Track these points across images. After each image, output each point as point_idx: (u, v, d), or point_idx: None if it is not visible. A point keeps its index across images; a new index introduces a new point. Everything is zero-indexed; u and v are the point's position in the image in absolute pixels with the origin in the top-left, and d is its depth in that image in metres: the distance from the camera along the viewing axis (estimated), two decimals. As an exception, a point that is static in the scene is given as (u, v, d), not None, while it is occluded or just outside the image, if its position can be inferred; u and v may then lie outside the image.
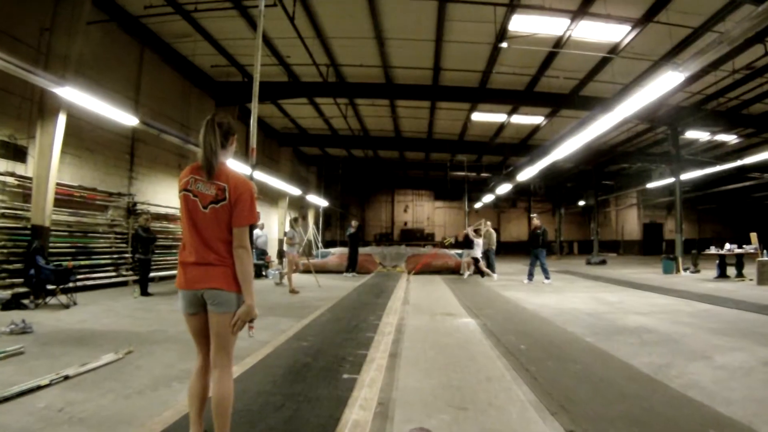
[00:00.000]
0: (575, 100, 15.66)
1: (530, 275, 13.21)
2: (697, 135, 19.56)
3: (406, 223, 38.53)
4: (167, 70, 13.22)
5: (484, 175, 28.69)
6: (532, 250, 13.27)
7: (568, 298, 9.57)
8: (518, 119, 18.99)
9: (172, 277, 11.94)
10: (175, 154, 13.33)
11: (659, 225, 33.14)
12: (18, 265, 8.20)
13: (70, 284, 8.07)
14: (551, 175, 27.38)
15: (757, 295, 9.63)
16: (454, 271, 16.26)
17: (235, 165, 13.35)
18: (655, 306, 8.32)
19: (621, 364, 4.44)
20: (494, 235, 15.67)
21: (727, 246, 13.92)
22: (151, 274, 10.47)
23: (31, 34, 8.79)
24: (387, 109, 18.97)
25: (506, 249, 33.40)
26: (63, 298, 7.76)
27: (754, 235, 13.35)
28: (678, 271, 15.69)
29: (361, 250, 17.78)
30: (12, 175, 8.47)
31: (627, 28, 11.17)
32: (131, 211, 11.56)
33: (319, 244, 23.37)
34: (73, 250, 9.76)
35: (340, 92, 15.83)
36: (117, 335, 5.61)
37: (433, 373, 4.15)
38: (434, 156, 27.67)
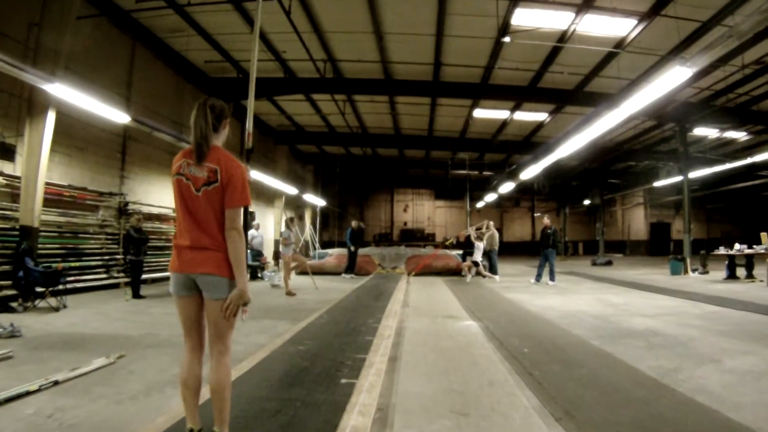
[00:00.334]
0: (580, 96, 15.67)
1: (538, 276, 13.19)
2: (706, 132, 19.59)
3: (405, 223, 38.53)
4: (160, 66, 13.22)
5: (486, 173, 28.67)
6: (542, 250, 13.26)
7: (573, 300, 9.58)
8: (521, 116, 18.99)
9: (166, 279, 11.94)
10: (168, 153, 13.30)
11: (667, 225, 33.19)
12: (6, 267, 8.18)
13: (60, 287, 8.05)
14: (555, 173, 27.41)
15: (767, 296, 9.64)
16: (455, 272, 16.25)
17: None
18: (662, 308, 8.32)
19: (627, 368, 4.44)
20: (497, 235, 15.68)
21: (737, 246, 13.93)
22: (144, 276, 10.46)
23: (19, 29, 8.79)
24: (386, 106, 18.97)
25: (509, 250, 33.45)
26: (53, 301, 7.76)
27: (764, 235, 13.35)
28: (686, 272, 15.70)
29: (360, 251, 17.78)
30: (0, 174, 8.47)
31: (633, 21, 11.17)
32: (123, 211, 11.56)
33: (317, 245, 23.39)
34: (62, 251, 9.76)
35: (338, 88, 15.83)
36: (108, 339, 5.61)
37: (433, 378, 4.15)
38: (435, 154, 27.68)
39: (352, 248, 15.83)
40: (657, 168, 24.32)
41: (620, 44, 12.25)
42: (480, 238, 15.08)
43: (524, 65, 14.12)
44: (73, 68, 9.49)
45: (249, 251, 15.00)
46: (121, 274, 11.17)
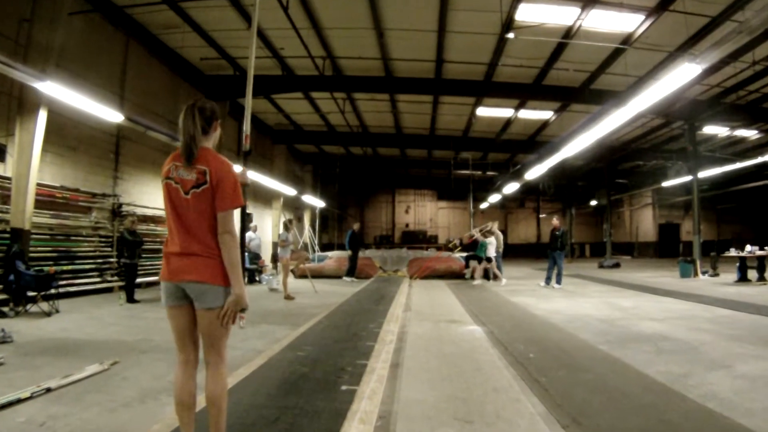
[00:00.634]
0: (586, 94, 15.66)
1: (548, 279, 13.14)
2: (716, 130, 19.59)
3: (407, 225, 38.52)
4: (154, 63, 13.24)
5: (490, 173, 28.69)
6: (549, 252, 13.24)
7: (580, 304, 9.57)
8: (526, 114, 18.99)
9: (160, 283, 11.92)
10: (162, 153, 13.31)
11: (676, 226, 33.17)
12: (-4, 271, 8.19)
13: (52, 291, 8.04)
14: (561, 173, 27.40)
15: (779, 299, 9.63)
16: (459, 275, 16.25)
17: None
18: (671, 311, 8.32)
19: (636, 374, 4.44)
20: (501, 236, 15.67)
21: (748, 248, 13.90)
22: (138, 280, 10.44)
23: (9, 25, 8.80)
24: (387, 104, 18.99)
25: (514, 252, 33.40)
26: (44, 306, 7.75)
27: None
28: (696, 274, 15.68)
29: (361, 253, 17.77)
30: (-10, 175, 8.49)
31: (641, 17, 11.18)
32: (116, 212, 11.56)
33: (316, 248, 23.39)
34: (54, 254, 9.76)
35: (338, 86, 15.84)
36: (102, 345, 5.61)
37: (436, 384, 4.14)
38: (437, 153, 27.69)
39: (350, 252, 15.79)
40: (665, 167, 24.28)
41: (627, 40, 12.25)
42: (491, 232, 15.03)
43: (529, 62, 14.12)
44: (64, 65, 9.50)
45: (246, 254, 15.00)
46: (115, 278, 11.18)
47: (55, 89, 7.94)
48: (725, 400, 3.67)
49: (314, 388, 3.81)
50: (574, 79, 15.09)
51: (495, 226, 15.50)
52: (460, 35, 12.63)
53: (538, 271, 19.42)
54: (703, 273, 15.81)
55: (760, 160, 18.91)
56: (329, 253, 19.20)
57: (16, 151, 8.65)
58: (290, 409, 3.33)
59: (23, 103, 8.64)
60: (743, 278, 13.37)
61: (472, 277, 15.78)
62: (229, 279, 2.42)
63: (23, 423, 3.25)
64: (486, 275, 15.28)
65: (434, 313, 8.41)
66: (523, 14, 11.15)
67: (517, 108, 18.35)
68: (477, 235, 15.65)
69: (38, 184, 8.97)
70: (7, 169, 8.81)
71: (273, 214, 22.75)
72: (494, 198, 30.12)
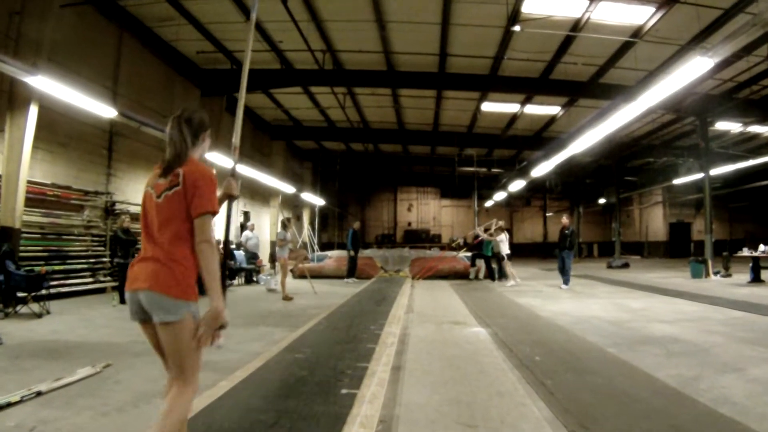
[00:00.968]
0: (594, 89, 15.64)
1: (566, 280, 13.07)
2: (728, 126, 19.50)
3: (410, 224, 38.51)
4: (148, 57, 13.23)
5: (495, 170, 28.63)
6: (558, 251, 13.22)
7: (588, 305, 9.57)
8: (532, 109, 18.96)
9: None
10: (157, 149, 13.31)
11: (687, 225, 33.08)
12: (-14, 271, 8.21)
13: (43, 291, 8.06)
14: (569, 170, 27.35)
15: (794, 301, 9.61)
16: (463, 275, 16.26)
17: (221, 160, 13.26)
18: (682, 313, 8.31)
19: (645, 377, 4.44)
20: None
21: (762, 247, 13.89)
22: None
23: (-1, 18, 8.81)
24: (389, 99, 18.96)
25: (520, 251, 33.36)
26: (35, 307, 7.77)
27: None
28: (707, 275, 15.65)
29: (362, 253, 17.76)
30: (-21, 172, 8.50)
31: (651, 9, 11.13)
32: (109, 211, 11.57)
33: (315, 247, 23.40)
34: (46, 254, 9.77)
35: (338, 80, 15.83)
36: (94, 347, 5.62)
37: (439, 388, 4.14)
38: (441, 150, 27.68)
39: (352, 252, 15.76)
40: (676, 165, 24.24)
41: (637, 33, 12.22)
42: (501, 229, 14.98)
43: (535, 56, 14.09)
44: (56, 59, 9.51)
45: (243, 254, 15.04)
46: (108, 278, 11.20)
47: (46, 84, 7.94)
48: (738, 405, 3.66)
49: (313, 391, 3.82)
50: (583, 74, 15.06)
51: (500, 225, 15.48)
52: (465, 28, 12.61)
53: (545, 272, 19.46)
54: (715, 273, 15.79)
55: (774, 157, 18.87)
56: (329, 253, 19.22)
57: (6, 148, 8.66)
58: (289, 412, 3.34)
59: (13, 98, 8.66)
60: (756, 279, 13.36)
61: (477, 277, 15.79)
62: (189, 293, 2.27)
63: (13, 428, 3.26)
64: (491, 275, 15.28)
65: (437, 315, 8.41)
66: (530, 6, 11.11)
67: (524, 103, 18.32)
68: (482, 234, 15.63)
69: (29, 182, 8.98)
70: (-4, 166, 8.82)
71: (271, 212, 22.76)
72: (499, 196, 30.09)
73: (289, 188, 20.64)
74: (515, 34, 12.24)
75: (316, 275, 15.23)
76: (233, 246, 15.09)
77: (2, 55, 7.23)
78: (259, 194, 21.79)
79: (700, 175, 19.02)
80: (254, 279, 14.95)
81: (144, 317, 2.33)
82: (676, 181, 23.80)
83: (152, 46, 13.17)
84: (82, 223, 10.82)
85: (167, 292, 2.22)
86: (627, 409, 3.60)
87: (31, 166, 8.96)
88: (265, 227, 22.17)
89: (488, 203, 32.75)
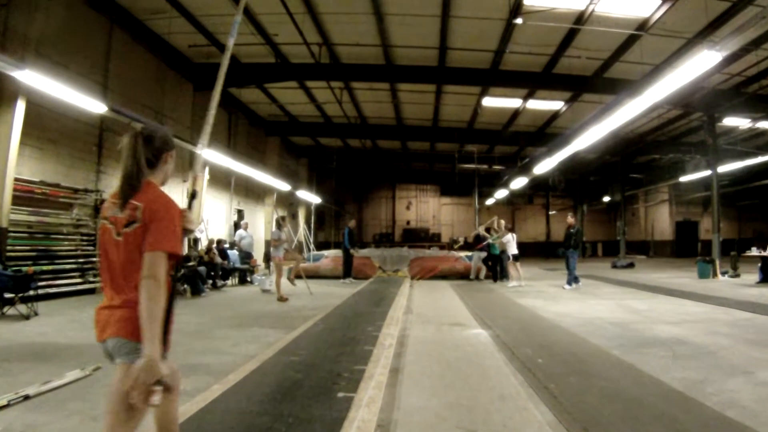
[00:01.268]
0: (599, 83, 15.64)
1: (576, 279, 13.09)
2: (737, 122, 19.53)
3: (408, 222, 38.54)
4: (139, 50, 13.19)
5: (496, 167, 28.66)
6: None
7: (592, 306, 9.58)
8: (535, 105, 18.97)
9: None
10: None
11: (694, 223, 33.14)
12: (-28, 271, 8.19)
13: (31, 292, 8.03)
14: (572, 167, 27.39)
15: (804, 301, 9.63)
16: (463, 275, 16.26)
17: (216, 156, 13.21)
18: (689, 314, 8.32)
19: (651, 380, 4.44)
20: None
21: (771, 247, 13.91)
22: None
23: (-15, 10, 8.78)
24: (387, 94, 18.95)
25: (522, 251, 33.17)
26: (22, 308, 7.75)
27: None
28: (715, 275, 15.67)
29: (359, 252, 17.74)
30: (-35, 169, 8.48)
31: (657, 1, 11.13)
32: (99, 209, 11.51)
33: (311, 246, 23.39)
34: (33, 253, 9.74)
35: (334, 75, 15.82)
36: (83, 349, 5.60)
37: (439, 391, 4.15)
38: (440, 146, 27.64)
39: (355, 247, 15.72)
40: (683, 161, 24.25)
41: (643, 26, 12.22)
42: (509, 229, 14.94)
43: (538, 49, 14.09)
44: (44, 53, 9.48)
45: (237, 253, 15.03)
46: (98, 279, 11.17)
47: (34, 78, 7.91)
48: (746, 409, 3.67)
49: (309, 394, 3.81)
50: (587, 68, 15.06)
51: (502, 223, 15.47)
52: (465, 20, 12.59)
53: (547, 272, 19.50)
54: (723, 274, 15.81)
55: (784, 153, 18.91)
56: (325, 252, 19.23)
57: (-8, 144, 8.64)
58: (284, 416, 3.33)
59: (0, 93, 8.62)
60: (765, 279, 13.38)
61: (478, 278, 15.79)
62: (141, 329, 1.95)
63: (0, 432, 3.26)
64: (494, 276, 15.29)
65: (437, 316, 8.42)
66: (532, -2, 11.14)
67: (526, 98, 18.32)
68: (482, 233, 15.65)
69: (16, 179, 8.96)
70: (-18, 163, 8.79)
71: (266, 210, 22.76)
72: (501, 193, 30.10)
73: (284, 186, 20.62)
74: (517, 26, 12.23)
75: (312, 275, 15.20)
76: (227, 245, 15.09)
77: (-12, 49, 7.21)
78: (254, 192, 21.77)
79: (707, 173, 19.09)
80: (248, 279, 14.94)
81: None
82: (683, 179, 23.85)
83: (143, 40, 13.13)
84: (71, 221, 10.79)
85: (133, 337, 1.95)
86: (632, 414, 3.60)
87: (18, 163, 8.94)
88: (259, 226, 22.14)
89: (489, 201, 32.77)
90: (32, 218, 9.77)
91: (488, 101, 18.50)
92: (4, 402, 3.67)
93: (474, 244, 16.28)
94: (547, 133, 22.63)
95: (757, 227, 32.82)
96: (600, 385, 4.32)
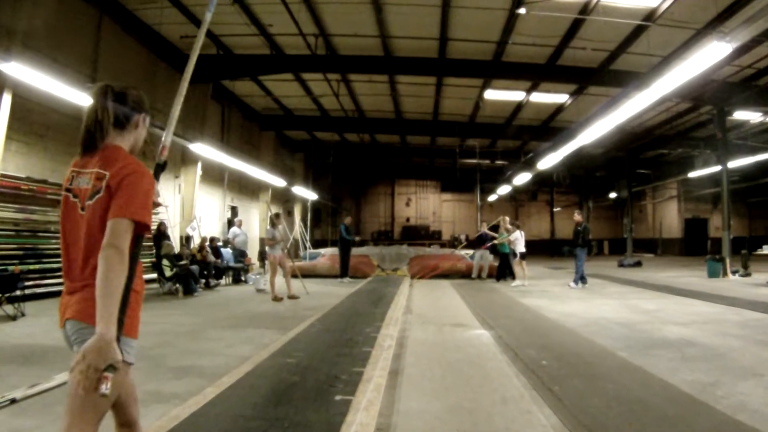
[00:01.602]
0: (605, 76, 15.64)
1: (582, 279, 13.10)
2: (748, 116, 19.55)
3: (408, 219, 38.52)
4: (130, 42, 13.17)
5: (499, 162, 28.69)
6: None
7: (598, 306, 9.58)
8: (539, 97, 18.98)
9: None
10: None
11: (703, 221, 33.15)
12: (-44, 270, 8.18)
13: (17, 292, 8.03)
14: (577, 162, 27.36)
15: (816, 301, 9.64)
16: (465, 275, 16.26)
17: (209, 151, 13.16)
18: (698, 315, 8.33)
19: (659, 383, 4.44)
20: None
21: (782, 245, 13.93)
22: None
23: (-31, 0, 8.75)
24: (386, 87, 18.94)
25: (525, 248, 33.35)
26: (9, 309, 7.74)
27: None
28: (725, 274, 15.68)
29: (357, 250, 17.72)
30: (-52, 164, 8.46)
31: (665, -10, 11.15)
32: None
33: (308, 244, 23.40)
34: (20, 252, 9.73)
35: (331, 66, 15.81)
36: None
37: (440, 394, 4.15)
38: (441, 141, 27.69)
39: (357, 238, 15.64)
40: (692, 157, 24.27)
41: (651, 16, 12.21)
42: (517, 226, 14.90)
43: (542, 40, 14.08)
44: (31, 45, 9.45)
45: (231, 251, 15.02)
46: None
47: (20, 71, 7.90)
48: (757, 412, 3.66)
49: (305, 397, 3.81)
50: (592, 59, 15.05)
51: (507, 222, 15.46)
52: (467, 10, 12.57)
53: (552, 270, 19.51)
54: (733, 273, 15.82)
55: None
56: (322, 250, 19.21)
57: (-23, 139, 8.62)
58: (279, 420, 3.33)
59: (-15, 85, 8.61)
60: (777, 278, 13.40)
61: (480, 277, 15.79)
62: (128, 327, 1.83)
63: (-15, 437, 3.25)
64: (498, 275, 15.28)
65: (437, 316, 8.42)
66: (536, -13, 11.13)
67: (529, 91, 18.32)
68: (486, 230, 15.66)
69: (1, 175, 8.96)
70: (-33, 158, 8.78)
71: (260, 207, 22.75)
72: (504, 189, 30.11)
73: (279, 182, 20.62)
74: (520, 17, 12.22)
75: (309, 274, 15.19)
76: (220, 243, 15.08)
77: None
78: (248, 188, 21.76)
79: (717, 168, 19.06)
80: (242, 278, 14.92)
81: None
82: (692, 175, 23.85)
83: (134, 31, 13.11)
84: (59, 219, 10.75)
85: (92, 321, 1.73)
86: (639, 417, 3.60)
87: (4, 159, 8.93)
88: (254, 223, 22.15)
89: (491, 197, 32.77)
90: (19, 216, 9.77)
91: (490, 94, 18.49)
92: (-11, 406, 3.67)
93: (478, 243, 16.26)
94: (551, 127, 22.64)
95: (768, 225, 32.87)
96: (606, 387, 4.32)
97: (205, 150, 13.11)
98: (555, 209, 37.33)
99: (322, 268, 16.72)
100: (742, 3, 11.30)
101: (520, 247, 14.25)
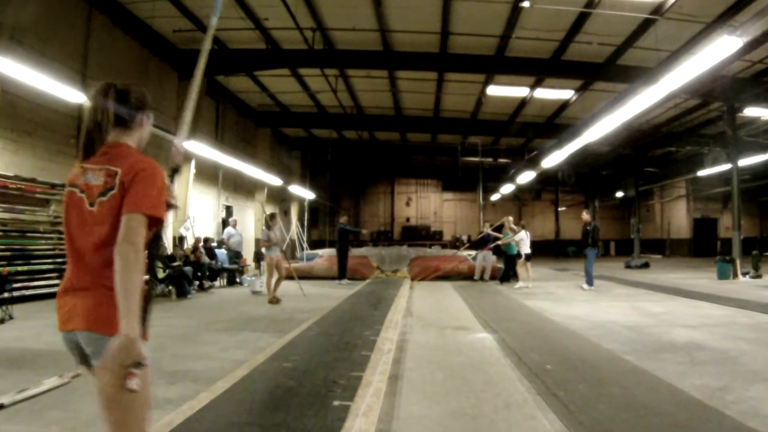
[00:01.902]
0: (611, 71, 15.64)
1: (588, 280, 13.11)
2: (759, 112, 19.54)
3: (408, 219, 38.50)
4: (120, 35, 13.16)
5: (502, 161, 28.67)
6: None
7: (604, 309, 9.58)
8: (543, 93, 18.97)
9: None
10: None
11: (713, 221, 33.15)
12: (-58, 272, 8.17)
13: (5, 294, 8.04)
14: (583, 160, 27.38)
15: (829, 303, 9.65)
16: (467, 276, 16.25)
17: (202, 148, 13.15)
18: (707, 318, 8.33)
19: (667, 388, 4.44)
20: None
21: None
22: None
23: (-45, -8, 8.75)
24: (385, 82, 18.93)
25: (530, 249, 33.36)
26: (-3, 311, 7.75)
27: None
28: (735, 275, 15.68)
29: (356, 251, 17.71)
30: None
31: (674, -17, 11.16)
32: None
33: (305, 245, 23.40)
34: (8, 253, 9.71)
35: (329, 62, 15.81)
36: (62, 355, 5.53)
37: (441, 399, 4.15)
38: (442, 138, 27.68)
39: (364, 231, 15.61)
40: (701, 154, 24.27)
41: (658, 10, 12.21)
42: (523, 226, 14.90)
43: (546, 34, 14.09)
44: (19, 39, 9.46)
45: (225, 252, 15.01)
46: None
47: (7, 66, 7.88)
48: (768, 418, 3.67)
49: (303, 403, 3.81)
50: (598, 54, 15.06)
51: (511, 221, 15.46)
52: (469, 3, 12.59)
53: (557, 272, 19.52)
54: (744, 274, 15.83)
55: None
56: (319, 251, 19.20)
57: (-37, 136, 8.62)
58: (276, 426, 3.33)
59: (-29, 81, 8.61)
60: (789, 280, 13.40)
61: (482, 278, 15.78)
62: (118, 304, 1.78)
63: (-28, 444, 3.25)
64: (501, 277, 15.28)
65: (438, 319, 8.43)
66: (541, -21, 11.14)
67: (533, 86, 18.32)
68: (489, 231, 15.67)
69: (-11, 174, 8.95)
70: (-47, 156, 8.78)
71: (256, 206, 22.72)
72: (507, 189, 30.09)
73: (275, 180, 20.60)
74: (524, 10, 12.24)
75: (306, 276, 15.18)
76: (214, 244, 15.07)
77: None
78: (243, 187, 21.75)
79: (727, 166, 19.07)
80: (237, 280, 14.92)
81: (80, 362, 1.96)
82: (701, 173, 23.85)
83: (125, 24, 13.10)
84: (48, 219, 10.76)
85: (108, 331, 1.77)
86: (647, 423, 3.60)
87: (-9, 157, 8.93)
88: (249, 223, 22.14)
89: (494, 197, 32.74)
90: (6, 215, 9.76)
91: (493, 90, 18.50)
92: (-23, 411, 3.67)
93: (481, 244, 16.24)
94: (556, 124, 22.65)
95: (780, 225, 32.87)
96: (612, 392, 4.32)
97: (198, 147, 13.09)
98: (560, 209, 37.32)
99: (319, 270, 16.71)
100: (753, -4, 11.35)
101: (526, 248, 14.23)
